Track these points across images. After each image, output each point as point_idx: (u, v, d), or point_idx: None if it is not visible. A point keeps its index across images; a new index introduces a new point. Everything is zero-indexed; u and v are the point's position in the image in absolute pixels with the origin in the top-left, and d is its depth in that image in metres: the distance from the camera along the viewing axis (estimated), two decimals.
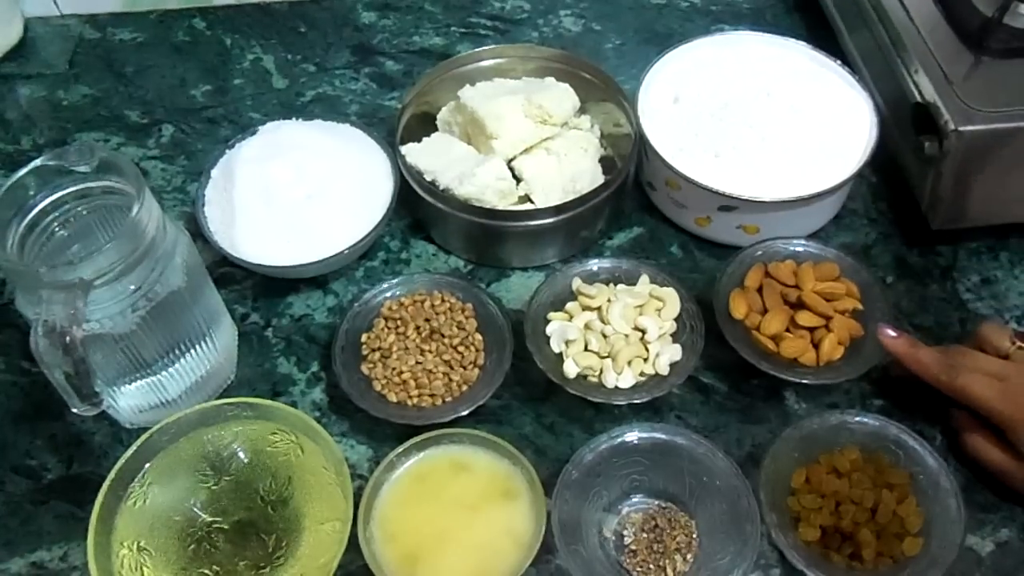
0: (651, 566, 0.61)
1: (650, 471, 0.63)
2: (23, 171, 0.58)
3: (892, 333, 0.64)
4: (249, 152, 0.76)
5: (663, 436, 0.62)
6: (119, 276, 0.56)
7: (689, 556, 0.61)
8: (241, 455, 0.64)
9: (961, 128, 0.67)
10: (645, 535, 0.62)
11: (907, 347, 0.64)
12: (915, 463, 0.62)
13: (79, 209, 0.60)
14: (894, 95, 0.75)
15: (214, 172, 0.76)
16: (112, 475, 0.59)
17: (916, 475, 0.61)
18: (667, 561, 0.61)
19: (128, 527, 0.60)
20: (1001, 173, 0.70)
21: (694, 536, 0.62)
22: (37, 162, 0.58)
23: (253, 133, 0.78)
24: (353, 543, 0.58)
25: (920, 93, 0.71)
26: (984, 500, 0.64)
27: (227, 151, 0.77)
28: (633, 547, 0.62)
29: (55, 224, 0.60)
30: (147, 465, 0.61)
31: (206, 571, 0.59)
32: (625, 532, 0.62)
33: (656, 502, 0.63)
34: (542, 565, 0.61)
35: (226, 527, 0.61)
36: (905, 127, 0.73)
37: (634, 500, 0.63)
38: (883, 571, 0.59)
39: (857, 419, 0.63)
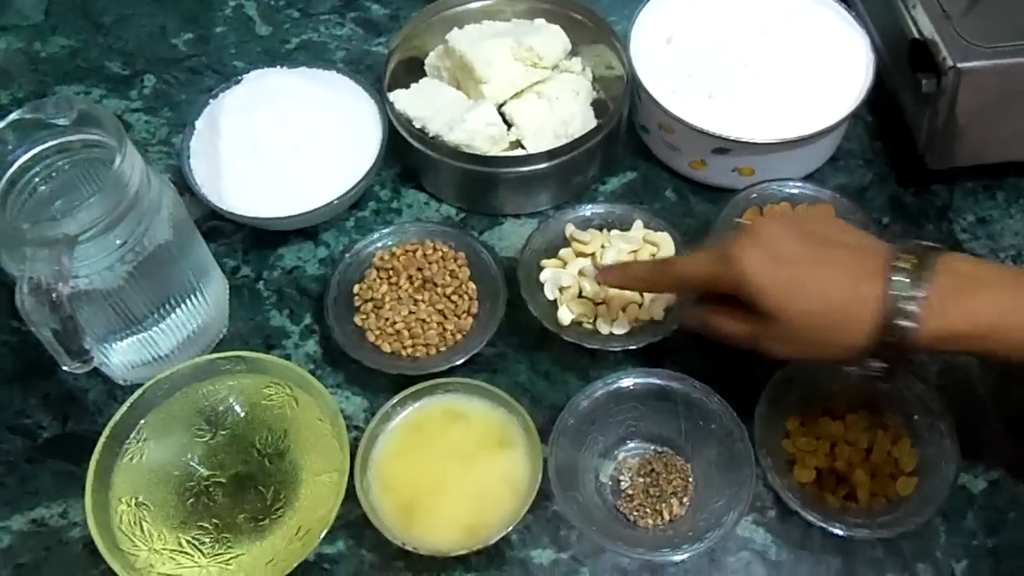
0: (647, 510, 0.61)
1: (645, 416, 0.63)
2: (0, 125, 0.57)
3: (600, 268, 0.63)
4: (233, 102, 0.75)
5: (658, 381, 0.62)
6: (104, 231, 0.55)
7: (685, 499, 0.62)
8: (236, 409, 0.64)
9: (959, 65, 0.66)
10: (641, 480, 0.62)
11: (619, 272, 0.62)
12: (910, 404, 0.62)
13: (60, 164, 0.59)
14: (891, 32, 0.74)
15: (198, 123, 0.75)
16: (107, 432, 0.59)
17: (911, 415, 0.62)
18: (663, 505, 0.61)
19: (126, 483, 0.60)
20: (999, 110, 0.69)
21: (690, 480, 0.62)
22: (14, 115, 0.57)
23: (237, 82, 0.77)
24: (351, 494, 0.58)
25: (918, 29, 0.70)
26: (977, 439, 0.64)
27: (211, 101, 0.76)
28: (629, 492, 0.62)
29: (37, 179, 0.59)
30: (142, 421, 0.61)
31: (205, 524, 0.60)
32: (621, 477, 0.63)
33: (652, 447, 0.64)
34: (539, 512, 0.61)
35: (224, 481, 0.61)
36: (902, 65, 0.72)
37: (630, 445, 0.64)
38: (877, 511, 0.59)
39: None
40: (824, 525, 0.57)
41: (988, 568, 0.60)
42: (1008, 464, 0.63)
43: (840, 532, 0.57)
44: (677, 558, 0.57)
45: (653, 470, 0.62)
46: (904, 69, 0.72)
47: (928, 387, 0.62)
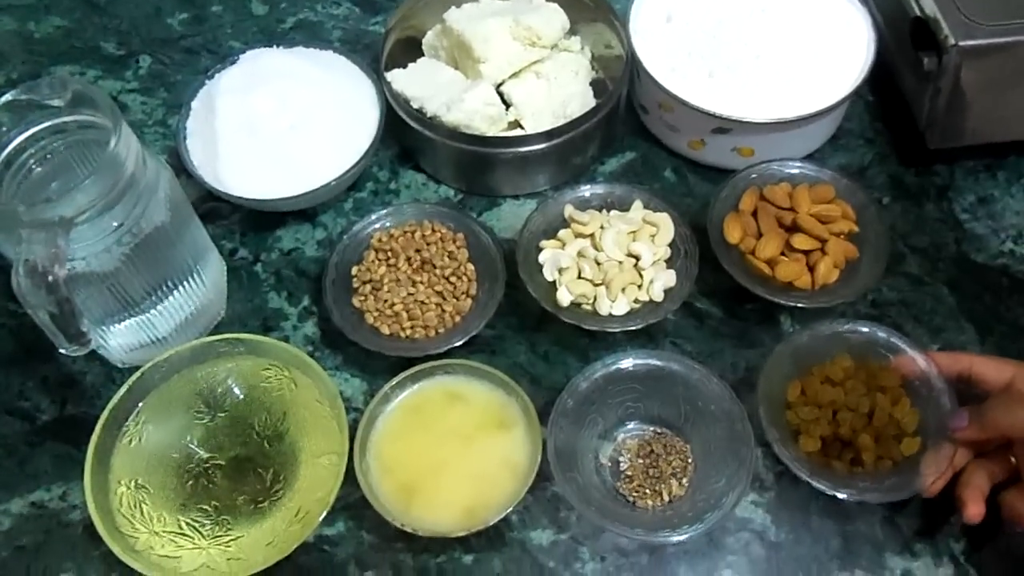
0: (647, 491, 0.61)
1: (645, 397, 0.63)
2: None
3: (960, 423, 0.58)
4: (230, 82, 0.74)
5: (657, 362, 0.62)
6: (100, 212, 0.55)
7: (684, 480, 0.62)
8: (235, 391, 0.63)
9: (961, 43, 0.65)
10: (641, 461, 0.62)
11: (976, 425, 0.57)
12: (906, 365, 0.62)
13: (56, 145, 0.59)
14: (893, 10, 0.73)
15: (195, 104, 0.74)
16: (105, 414, 0.59)
17: (908, 376, 0.62)
18: (663, 486, 0.61)
19: (125, 465, 0.60)
20: (1001, 89, 0.69)
21: (689, 460, 0.62)
22: (8, 96, 0.56)
23: (233, 62, 0.76)
24: (350, 476, 0.58)
25: (919, 7, 0.69)
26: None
27: (207, 82, 0.75)
28: (629, 473, 0.62)
29: (32, 161, 0.58)
30: (140, 404, 0.61)
31: (205, 507, 0.60)
32: (621, 458, 0.63)
33: (651, 428, 0.64)
34: (539, 492, 0.61)
35: (223, 463, 0.61)
36: (904, 43, 0.72)
37: (629, 427, 0.64)
38: (883, 473, 0.60)
39: (847, 327, 0.63)
40: (835, 492, 0.57)
41: (986, 547, 0.60)
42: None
43: (853, 498, 0.57)
44: (676, 539, 0.57)
45: (652, 451, 0.62)
46: (905, 47, 0.71)
47: (921, 347, 0.62)
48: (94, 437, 0.58)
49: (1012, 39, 0.66)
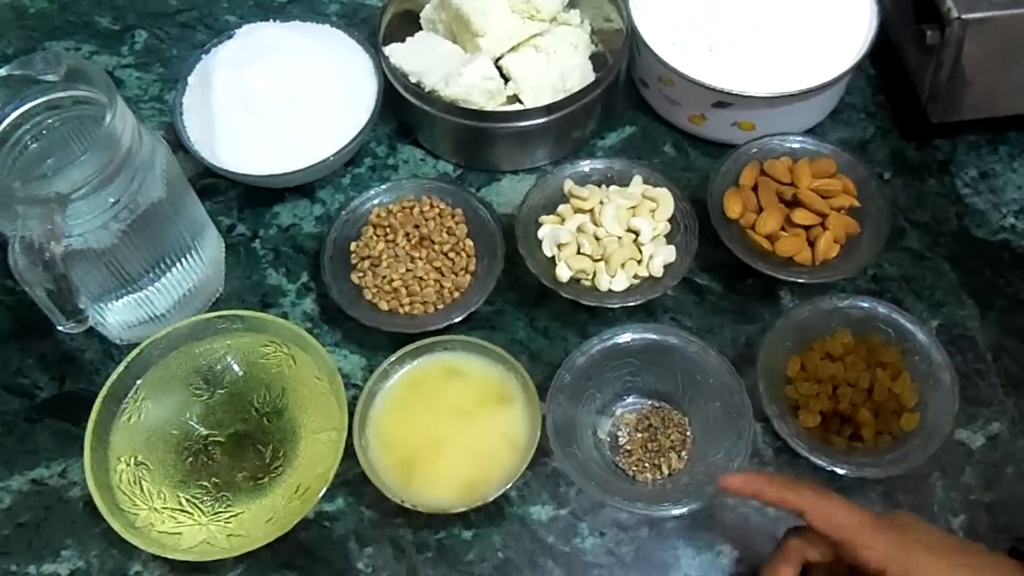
0: (646, 464, 0.61)
1: (643, 372, 0.63)
2: None
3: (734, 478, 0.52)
4: (226, 57, 0.74)
5: (655, 336, 0.62)
6: (97, 189, 0.54)
7: (683, 453, 0.62)
8: (234, 367, 0.63)
9: (964, 15, 0.65)
10: (639, 435, 0.62)
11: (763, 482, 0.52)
12: (906, 339, 0.62)
13: (51, 121, 0.58)
14: None
15: (191, 79, 0.74)
16: (104, 391, 0.59)
17: (908, 351, 0.62)
18: (662, 459, 0.61)
19: (124, 442, 0.60)
20: (1005, 62, 0.68)
21: (688, 434, 0.62)
22: (2, 72, 0.56)
23: (229, 37, 0.75)
24: (349, 452, 0.58)
25: None
26: (976, 394, 0.64)
27: (203, 57, 0.75)
28: (628, 447, 0.62)
29: (27, 137, 0.58)
30: (139, 381, 0.61)
31: (205, 483, 0.60)
32: (619, 433, 0.63)
33: (649, 402, 0.64)
34: (538, 467, 0.62)
35: (223, 439, 0.62)
36: (906, 15, 0.71)
37: (628, 401, 0.64)
38: (883, 448, 0.60)
39: (847, 303, 0.63)
40: (834, 468, 0.57)
41: (985, 523, 0.60)
42: (1006, 419, 0.64)
43: (852, 473, 0.57)
44: (676, 512, 0.57)
45: (651, 425, 0.62)
46: (908, 20, 0.70)
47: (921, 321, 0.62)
48: (93, 414, 0.59)
49: (1016, 11, 0.65)
